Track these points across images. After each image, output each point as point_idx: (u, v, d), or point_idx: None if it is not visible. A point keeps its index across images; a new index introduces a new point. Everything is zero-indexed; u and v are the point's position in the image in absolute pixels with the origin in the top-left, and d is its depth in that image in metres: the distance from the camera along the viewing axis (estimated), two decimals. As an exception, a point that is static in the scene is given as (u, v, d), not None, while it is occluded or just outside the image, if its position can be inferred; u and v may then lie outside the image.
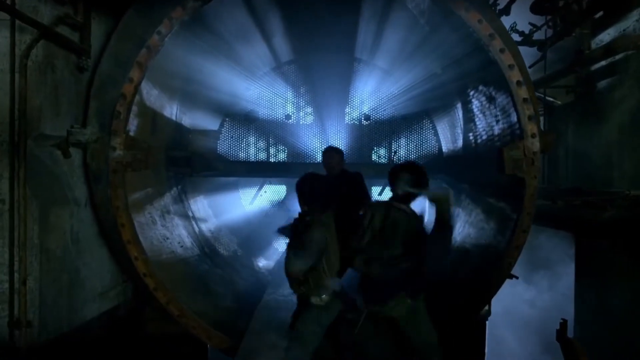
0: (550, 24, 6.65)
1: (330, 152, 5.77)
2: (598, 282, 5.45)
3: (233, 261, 7.99)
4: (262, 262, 8.90)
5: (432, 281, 4.42)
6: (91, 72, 5.12)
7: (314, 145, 9.38)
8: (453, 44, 6.16)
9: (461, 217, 7.00)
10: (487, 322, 5.62)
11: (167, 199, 6.81)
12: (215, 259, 7.43)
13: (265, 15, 6.91)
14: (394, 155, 9.23)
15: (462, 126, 7.49)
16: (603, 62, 5.64)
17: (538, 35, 7.02)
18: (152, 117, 6.24)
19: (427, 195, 4.34)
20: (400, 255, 4.19)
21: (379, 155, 9.45)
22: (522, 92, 4.75)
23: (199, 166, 7.44)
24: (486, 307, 5.54)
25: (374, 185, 9.63)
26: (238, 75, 8.13)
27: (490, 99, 5.94)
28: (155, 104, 6.24)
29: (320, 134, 9.32)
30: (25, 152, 4.20)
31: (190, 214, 7.56)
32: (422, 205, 4.60)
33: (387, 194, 9.53)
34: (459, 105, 7.50)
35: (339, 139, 9.30)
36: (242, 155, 9.32)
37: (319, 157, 9.19)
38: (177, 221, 6.83)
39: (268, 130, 9.35)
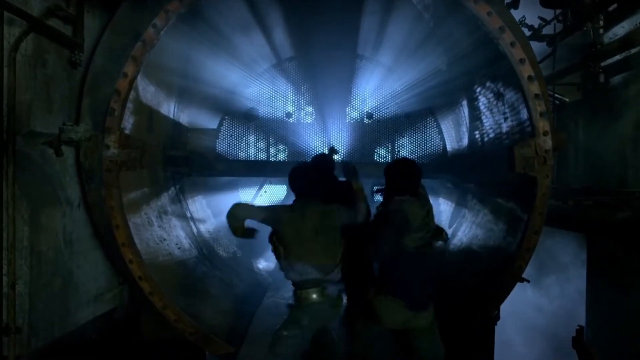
0: (560, 18, 6.46)
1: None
2: (612, 285, 5.26)
3: (232, 263, 7.81)
4: (263, 264, 8.73)
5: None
6: (84, 67, 4.94)
7: (315, 144, 9.18)
8: (459, 39, 6.00)
9: (467, 218, 6.81)
10: (495, 326, 5.42)
11: (165, 199, 6.62)
12: (214, 261, 7.24)
13: (265, 10, 6.74)
14: (397, 155, 9.04)
15: (467, 124, 7.31)
16: (617, 57, 5.45)
17: (547, 31, 6.83)
18: (148, 115, 6.06)
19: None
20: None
21: (382, 154, 9.26)
22: (534, 88, 4.56)
23: (197, 165, 7.23)
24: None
25: (377, 184, 9.45)
26: (237, 72, 7.94)
27: (498, 96, 5.76)
28: (151, 101, 6.05)
29: (321, 132, 9.14)
30: (15, 150, 4.00)
31: (189, 215, 7.37)
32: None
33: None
34: (464, 103, 7.31)
35: (341, 138, 9.11)
36: (241, 154, 9.13)
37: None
38: (175, 222, 6.64)
39: (268, 129, 9.16)
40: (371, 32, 7.78)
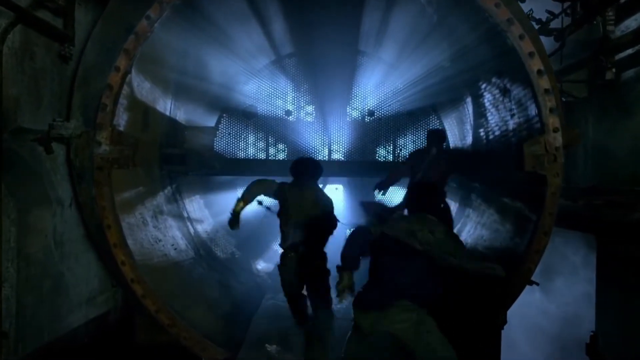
0: (568, 11, 6.27)
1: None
2: (623, 288, 5.07)
3: (230, 264, 7.64)
4: (261, 265, 8.57)
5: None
6: (76, 61, 4.75)
7: (315, 142, 9.00)
8: (463, 33, 5.84)
9: (472, 218, 6.63)
10: (502, 330, 5.23)
11: (160, 198, 6.44)
12: (212, 262, 7.06)
13: (264, 4, 6.57)
14: (399, 153, 8.86)
15: (471, 122, 7.14)
16: (629, 50, 5.26)
17: (554, 25, 6.64)
18: (143, 112, 5.89)
19: None
20: None
21: (383, 152, 9.08)
22: (544, 83, 4.37)
23: (194, 164, 7.06)
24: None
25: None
26: (235, 68, 7.76)
27: (505, 92, 5.58)
28: (147, 98, 5.88)
29: (321, 130, 8.96)
30: (1, 147, 3.82)
31: (185, 215, 7.19)
32: None
33: (390, 194, 9.23)
34: (468, 100, 7.14)
35: (341, 136, 8.93)
36: (240, 152, 8.94)
37: (320, 155, 8.88)
38: (171, 222, 6.46)
39: (267, 127, 8.98)
40: (373, 28, 7.63)
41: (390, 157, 9.04)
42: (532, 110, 4.76)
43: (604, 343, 5.37)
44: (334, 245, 4.94)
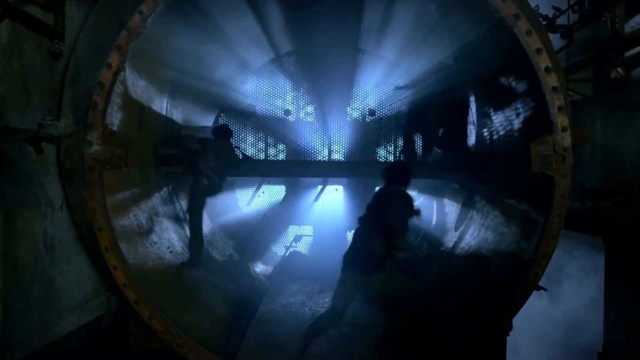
0: (575, 7, 6.10)
1: None
2: (633, 292, 4.91)
3: (228, 267, 7.49)
4: (260, 268, 8.40)
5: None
6: (67, 58, 4.60)
7: (315, 142, 8.84)
8: (466, 31, 5.70)
9: (476, 220, 6.46)
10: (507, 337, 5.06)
11: (156, 199, 6.29)
12: (209, 265, 6.91)
13: (263, 1, 6.41)
14: (399, 153, 8.71)
15: (475, 121, 6.97)
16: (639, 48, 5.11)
17: (561, 21, 6.48)
18: (138, 111, 5.74)
19: None
20: None
21: (384, 152, 8.93)
22: (551, 80, 4.19)
23: (191, 165, 6.88)
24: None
25: (379, 184, 9.13)
26: (234, 66, 7.60)
27: (510, 90, 5.42)
28: (142, 97, 5.73)
29: (321, 130, 8.80)
30: (-13, 147, 3.68)
31: (182, 216, 7.02)
32: None
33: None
34: (471, 99, 6.97)
35: (342, 136, 8.77)
36: (238, 153, 8.75)
37: (320, 155, 8.73)
38: (167, 224, 6.31)
39: (266, 127, 8.83)
40: (374, 26, 7.49)
41: (391, 158, 8.89)
42: (539, 109, 4.60)
43: (613, 347, 5.21)
44: None
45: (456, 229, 7.15)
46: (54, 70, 4.51)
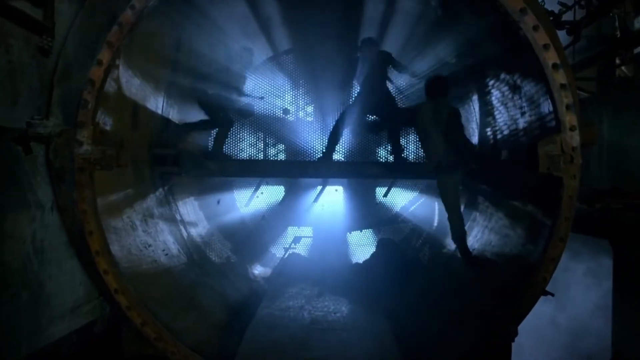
0: (582, 2, 5.95)
1: None
2: (643, 297, 4.77)
3: (225, 269, 7.31)
4: (258, 270, 8.24)
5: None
6: (57, 55, 4.44)
7: (314, 142, 8.68)
8: (470, 27, 5.58)
9: (479, 222, 6.31)
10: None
11: (151, 201, 6.12)
12: (205, 267, 6.74)
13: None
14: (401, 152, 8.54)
15: (477, 120, 6.84)
16: (649, 44, 4.97)
17: (567, 17, 6.33)
18: (133, 110, 5.57)
19: None
20: None
21: (385, 152, 8.77)
22: (560, 77, 4.03)
23: (188, 165, 6.71)
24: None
25: (380, 185, 9.00)
26: (231, 64, 7.43)
27: (514, 88, 5.27)
28: (136, 95, 5.56)
29: (320, 130, 8.63)
30: (-28, 147, 3.53)
31: (178, 218, 6.86)
32: None
33: (392, 195, 8.94)
34: (474, 98, 6.83)
35: (342, 136, 8.56)
36: (236, 153, 8.62)
37: (319, 155, 8.55)
38: (162, 226, 6.13)
39: (264, 126, 8.66)
40: (374, 23, 7.32)
41: (392, 158, 8.73)
42: (546, 107, 4.45)
43: (621, 353, 5.06)
44: None
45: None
46: (43, 67, 4.36)
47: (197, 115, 7.71)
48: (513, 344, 4.66)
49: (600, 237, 5.46)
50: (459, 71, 6.51)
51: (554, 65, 4.04)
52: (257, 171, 7.94)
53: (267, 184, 9.05)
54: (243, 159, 8.52)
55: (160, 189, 6.56)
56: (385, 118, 7.76)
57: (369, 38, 7.27)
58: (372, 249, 8.66)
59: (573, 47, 6.14)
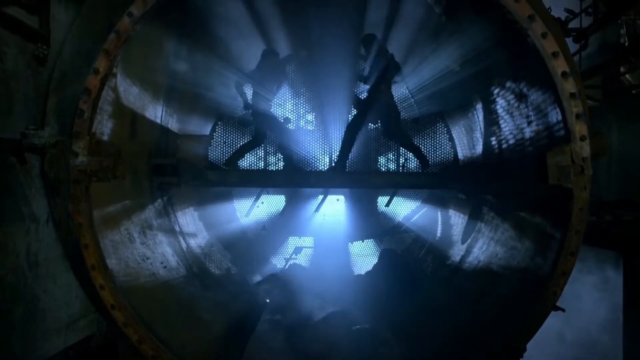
0: (589, 9, 5.85)
1: None
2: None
3: (225, 281, 7.19)
4: (259, 280, 8.08)
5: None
6: (52, 63, 4.34)
7: (315, 151, 8.56)
8: (475, 34, 5.43)
9: (484, 233, 6.17)
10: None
11: (150, 212, 5.98)
12: (205, 280, 6.60)
13: (261, 4, 6.16)
14: (404, 163, 8.43)
15: (482, 130, 6.70)
16: (660, 51, 4.86)
17: (573, 24, 6.23)
18: (131, 120, 5.45)
19: None
20: None
21: (387, 162, 8.64)
22: (569, 86, 3.92)
23: (187, 175, 6.58)
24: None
25: (382, 195, 8.87)
26: (231, 72, 7.33)
27: (521, 97, 5.15)
28: (135, 104, 5.44)
29: (322, 139, 8.50)
30: (-37, 158, 3.41)
31: (177, 229, 6.73)
32: None
33: (394, 204, 8.81)
34: (479, 106, 6.70)
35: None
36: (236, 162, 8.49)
37: (321, 165, 8.44)
38: (161, 238, 6.00)
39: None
40: (376, 31, 7.24)
41: (394, 167, 8.61)
42: (554, 116, 4.32)
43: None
44: None
45: (463, 242, 6.86)
46: (38, 76, 4.28)
47: (198, 124, 7.64)
48: (521, 360, 4.52)
49: (610, 249, 5.34)
50: (464, 79, 6.39)
51: (564, 74, 3.94)
52: (258, 181, 7.80)
53: (268, 193, 8.91)
54: (243, 169, 8.39)
55: (159, 200, 6.44)
56: (393, 125, 7.64)
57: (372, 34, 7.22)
58: (374, 260, 8.52)
59: (579, 55, 6.03)
